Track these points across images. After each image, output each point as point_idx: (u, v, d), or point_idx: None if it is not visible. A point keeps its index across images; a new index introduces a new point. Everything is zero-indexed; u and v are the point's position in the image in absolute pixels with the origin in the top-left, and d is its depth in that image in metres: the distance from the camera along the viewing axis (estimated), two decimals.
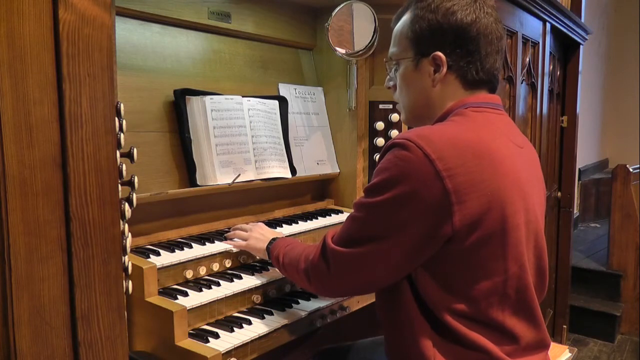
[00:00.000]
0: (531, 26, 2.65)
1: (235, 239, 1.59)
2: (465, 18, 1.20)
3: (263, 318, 1.41)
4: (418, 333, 1.16)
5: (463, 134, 1.13)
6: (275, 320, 1.41)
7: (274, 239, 1.51)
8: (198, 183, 1.62)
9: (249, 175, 1.73)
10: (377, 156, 2.04)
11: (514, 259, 1.15)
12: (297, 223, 1.85)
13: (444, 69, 1.22)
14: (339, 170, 2.13)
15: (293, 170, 1.90)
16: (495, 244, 1.12)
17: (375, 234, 1.13)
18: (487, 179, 1.09)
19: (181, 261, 1.43)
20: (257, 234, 1.56)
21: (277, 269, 1.57)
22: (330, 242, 1.21)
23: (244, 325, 1.36)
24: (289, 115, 1.94)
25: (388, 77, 1.38)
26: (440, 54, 1.21)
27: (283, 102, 1.92)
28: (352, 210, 1.20)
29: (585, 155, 5.42)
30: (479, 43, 1.21)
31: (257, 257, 1.62)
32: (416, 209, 1.08)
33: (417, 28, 1.24)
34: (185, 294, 1.36)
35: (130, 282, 1.10)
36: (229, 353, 1.27)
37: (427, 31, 1.22)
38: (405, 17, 1.28)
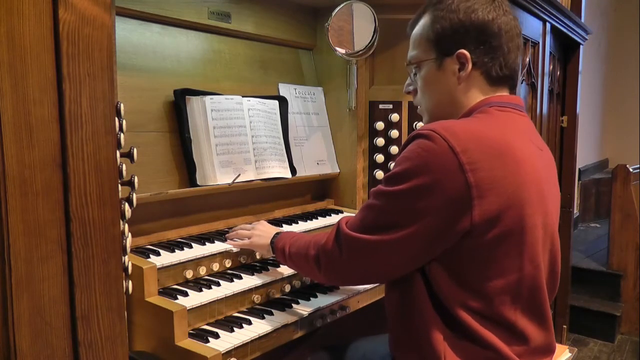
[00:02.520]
0: (531, 26, 2.65)
1: (236, 239, 1.59)
2: (487, 15, 1.21)
3: (263, 318, 1.41)
4: (429, 327, 1.16)
5: (487, 130, 1.14)
6: (275, 320, 1.41)
7: (277, 234, 1.51)
8: (198, 183, 1.62)
9: (249, 175, 1.73)
10: (377, 156, 2.05)
11: (530, 259, 1.15)
12: (297, 223, 1.85)
13: (469, 66, 1.22)
14: (339, 170, 2.13)
15: (293, 170, 1.90)
16: (512, 242, 1.12)
17: (393, 222, 1.13)
18: (509, 177, 1.10)
19: (181, 261, 1.43)
20: (259, 231, 1.56)
21: (278, 266, 1.57)
22: (345, 227, 1.21)
23: (244, 325, 1.36)
24: (289, 115, 1.95)
25: (407, 81, 1.37)
26: (464, 51, 1.22)
27: (283, 102, 1.92)
28: (369, 198, 1.20)
29: (585, 155, 5.42)
30: (502, 39, 1.22)
31: (258, 257, 1.62)
32: (436, 200, 1.08)
33: (438, 28, 1.24)
34: (185, 294, 1.36)
35: (130, 282, 1.10)
36: (229, 353, 1.27)
37: (449, 30, 1.22)
38: (424, 20, 1.28)
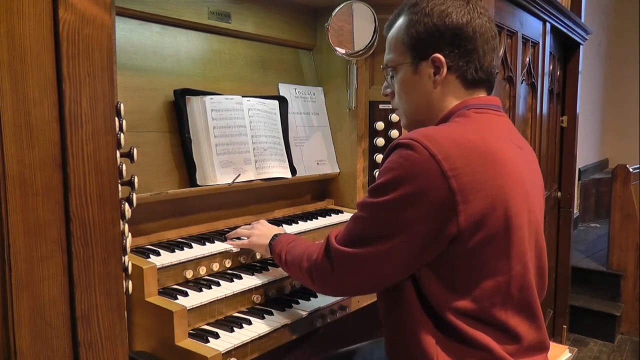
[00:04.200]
0: (531, 26, 2.65)
1: (236, 239, 1.59)
2: (461, 19, 1.21)
3: (263, 318, 1.41)
4: (420, 331, 1.16)
5: (467, 134, 1.14)
6: (275, 320, 1.41)
7: (276, 235, 1.51)
8: (198, 183, 1.62)
9: (249, 175, 1.73)
10: (377, 156, 2.04)
11: (518, 259, 1.16)
12: (297, 223, 1.85)
13: (444, 70, 1.22)
14: (339, 170, 2.13)
15: (293, 170, 1.90)
16: (499, 244, 1.12)
17: (380, 234, 1.13)
18: (491, 179, 1.10)
19: (181, 261, 1.43)
20: (258, 231, 1.56)
21: (278, 266, 1.57)
22: (334, 241, 1.21)
23: (244, 325, 1.36)
24: (289, 115, 1.94)
25: (384, 84, 1.38)
26: (439, 55, 1.22)
27: (283, 102, 1.92)
28: (356, 210, 1.20)
29: (585, 155, 5.42)
30: (476, 42, 1.22)
31: (258, 257, 1.62)
32: (421, 208, 1.08)
33: (413, 32, 1.24)
34: (185, 294, 1.36)
35: (130, 282, 1.10)
36: (229, 353, 1.27)
37: (423, 34, 1.23)
38: (399, 23, 1.28)
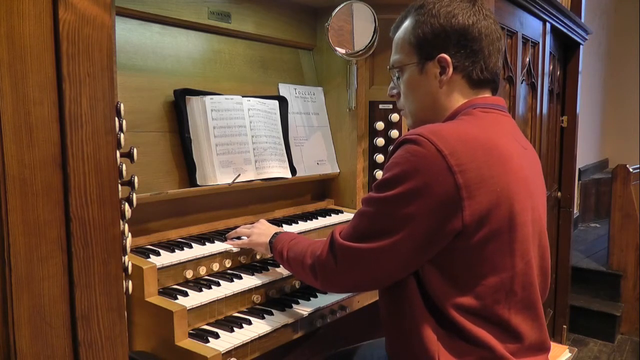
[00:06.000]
0: (531, 26, 2.65)
1: (236, 238, 1.59)
2: (467, 20, 1.22)
3: (263, 318, 1.41)
4: (422, 327, 1.17)
5: (472, 131, 1.15)
6: (275, 320, 1.41)
7: (276, 233, 1.51)
8: (198, 183, 1.62)
9: (249, 175, 1.73)
10: (377, 156, 2.05)
11: (521, 256, 1.16)
12: (297, 223, 1.85)
13: (450, 70, 1.24)
14: (339, 170, 2.13)
15: (293, 170, 1.90)
16: (502, 240, 1.13)
17: (385, 228, 1.13)
18: (496, 175, 1.11)
19: (181, 261, 1.43)
20: (258, 230, 1.56)
21: (278, 266, 1.58)
22: (339, 237, 1.21)
23: (244, 325, 1.36)
24: (289, 115, 1.94)
25: (391, 85, 1.39)
26: (445, 55, 1.23)
27: (283, 102, 1.92)
28: (361, 206, 1.21)
29: (585, 155, 5.42)
30: (482, 43, 1.23)
31: (258, 256, 1.62)
32: (427, 203, 1.09)
33: (419, 33, 1.25)
34: (185, 294, 1.36)
35: (130, 282, 1.10)
36: (229, 353, 1.27)
37: (430, 35, 1.24)
38: (406, 24, 1.30)
